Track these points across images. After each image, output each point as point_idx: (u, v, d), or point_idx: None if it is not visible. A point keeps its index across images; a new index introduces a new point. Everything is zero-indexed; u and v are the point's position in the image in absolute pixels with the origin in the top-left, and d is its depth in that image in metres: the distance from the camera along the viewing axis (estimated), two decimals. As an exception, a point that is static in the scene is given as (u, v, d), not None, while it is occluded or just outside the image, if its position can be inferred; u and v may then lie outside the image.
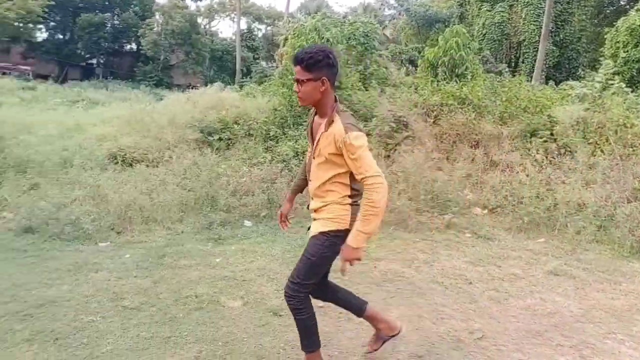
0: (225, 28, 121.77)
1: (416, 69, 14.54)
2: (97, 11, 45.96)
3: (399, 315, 3.73)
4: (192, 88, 22.00)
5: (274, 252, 5.22)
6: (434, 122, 8.62)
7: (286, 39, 27.34)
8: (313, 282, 2.77)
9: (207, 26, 52.82)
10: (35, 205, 5.98)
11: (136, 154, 8.73)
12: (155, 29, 43.33)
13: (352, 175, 2.61)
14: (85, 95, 24.11)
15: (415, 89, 10.49)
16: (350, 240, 2.55)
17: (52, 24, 47.43)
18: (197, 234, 5.79)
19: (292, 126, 9.29)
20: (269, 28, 52.62)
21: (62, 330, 3.43)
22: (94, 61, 50.48)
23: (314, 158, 2.70)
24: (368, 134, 8.71)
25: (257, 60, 39.91)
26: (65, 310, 3.72)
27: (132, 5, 47.66)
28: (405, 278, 4.59)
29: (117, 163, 8.28)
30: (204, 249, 5.32)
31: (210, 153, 8.03)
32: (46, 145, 8.76)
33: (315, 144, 2.68)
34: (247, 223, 6.18)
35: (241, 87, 23.16)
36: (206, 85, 22.67)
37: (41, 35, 48.95)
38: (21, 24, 38.74)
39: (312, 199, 2.80)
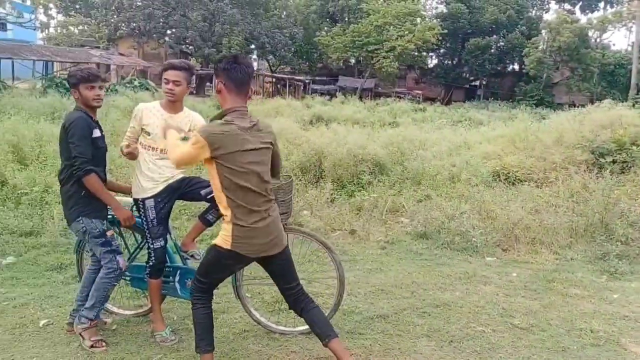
0: (619, 39, 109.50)
1: None
2: (484, 35, 47.95)
3: None
4: (576, 106, 20.53)
5: (692, 299, 4.32)
6: None
7: None
8: (205, 281, 2.94)
9: (598, 39, 48.48)
10: (429, 214, 6.61)
11: (520, 173, 8.67)
12: (540, 47, 42.33)
13: (228, 188, 2.73)
14: (467, 115, 25.48)
15: None
16: None
17: (442, 50, 52.10)
18: (589, 263, 5.32)
19: None
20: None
21: (455, 333, 3.66)
22: (477, 83, 52.92)
23: None
24: None
25: (660, 72, 34.24)
26: (457, 315, 3.97)
27: (519, 25, 47.84)
28: None
29: (500, 181, 8.41)
30: (598, 281, 4.84)
31: (605, 176, 7.28)
32: (437, 161, 9.61)
33: None
34: (652, 260, 5.32)
35: (635, 103, 20.32)
36: (592, 103, 20.83)
37: (432, 61, 54.56)
38: (417, 53, 43.98)
39: None
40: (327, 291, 4.25)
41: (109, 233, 3.39)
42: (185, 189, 3.54)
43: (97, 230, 3.32)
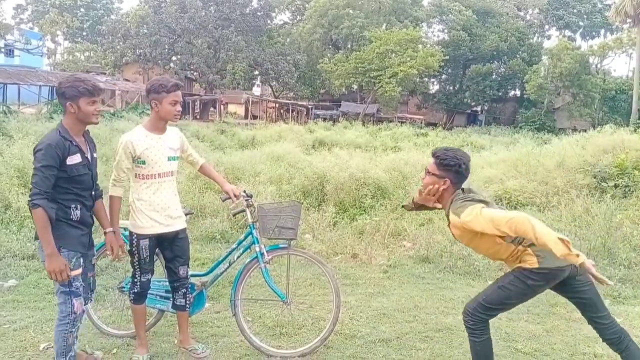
0: (620, 65, 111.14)
1: None
2: (485, 61, 48.56)
3: None
4: (578, 131, 20.67)
5: (696, 324, 4.28)
6: None
7: None
8: (497, 310, 2.99)
9: (599, 65, 48.96)
10: (431, 238, 6.59)
11: (521, 197, 8.68)
12: (541, 74, 42.73)
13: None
14: (469, 140, 25.61)
15: None
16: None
17: (444, 76, 52.67)
18: (591, 287, 5.28)
19: None
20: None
21: (458, 358, 3.64)
22: (478, 108, 53.31)
23: None
24: None
25: (662, 98, 34.46)
26: (460, 340, 3.93)
27: (520, 52, 48.44)
28: None
29: (502, 205, 8.40)
30: (601, 305, 4.80)
31: (607, 201, 7.29)
32: (440, 185, 9.62)
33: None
34: (656, 284, 5.28)
35: (637, 128, 20.42)
36: (593, 128, 20.97)
37: (433, 87, 55.09)
38: (419, 79, 44.48)
39: None
40: (329, 315, 4.22)
41: (73, 272, 2.89)
42: (174, 249, 3.42)
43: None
